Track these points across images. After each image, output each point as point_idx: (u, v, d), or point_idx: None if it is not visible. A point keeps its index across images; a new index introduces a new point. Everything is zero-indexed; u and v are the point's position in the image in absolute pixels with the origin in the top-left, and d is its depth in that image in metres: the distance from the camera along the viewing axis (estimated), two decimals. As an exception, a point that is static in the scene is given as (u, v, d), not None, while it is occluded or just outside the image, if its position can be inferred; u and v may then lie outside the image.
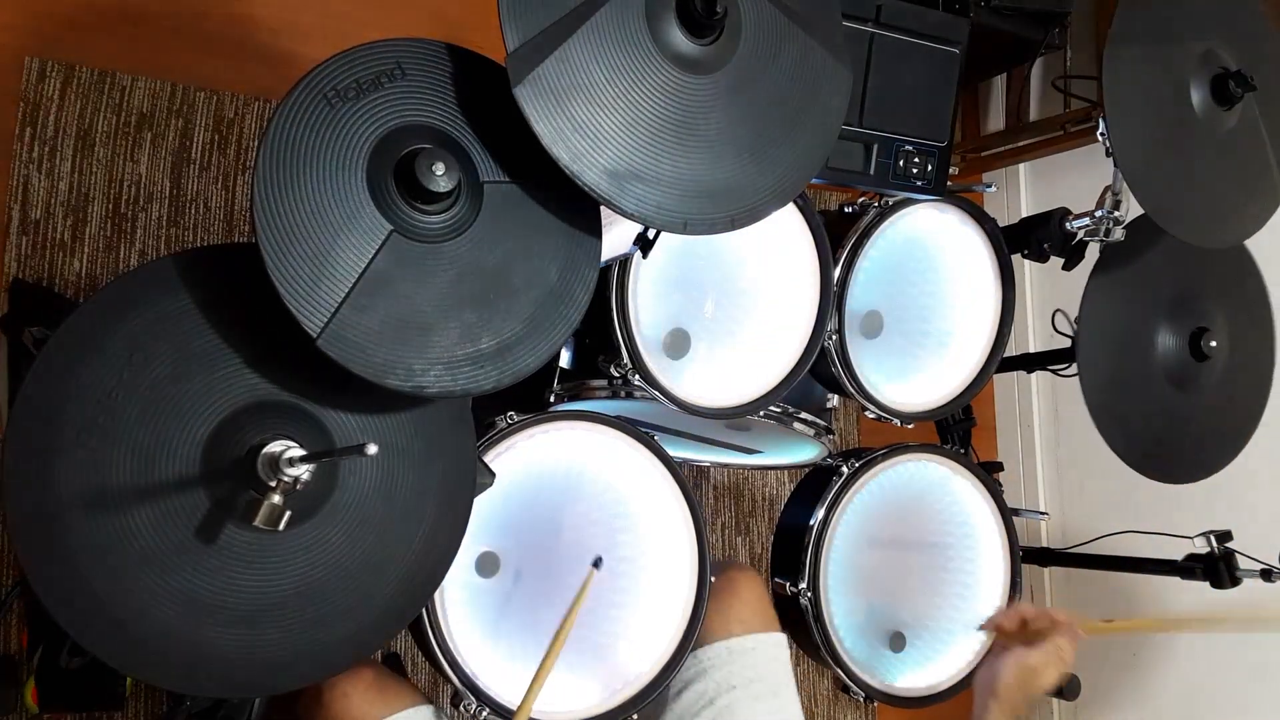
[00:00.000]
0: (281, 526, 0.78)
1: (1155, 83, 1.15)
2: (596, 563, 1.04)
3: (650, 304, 1.19)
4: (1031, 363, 1.55)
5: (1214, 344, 1.31)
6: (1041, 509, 2.30)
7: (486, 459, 1.08)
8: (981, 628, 1.24)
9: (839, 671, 1.29)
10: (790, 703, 1.20)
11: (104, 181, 1.58)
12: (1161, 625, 1.48)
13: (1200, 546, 1.37)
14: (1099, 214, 1.28)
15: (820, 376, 1.36)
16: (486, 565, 1.15)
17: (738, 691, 1.16)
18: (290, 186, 0.79)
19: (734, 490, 2.12)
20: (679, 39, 0.88)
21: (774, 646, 1.22)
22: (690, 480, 1.22)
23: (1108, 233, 1.28)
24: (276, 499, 0.78)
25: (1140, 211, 1.20)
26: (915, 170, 1.26)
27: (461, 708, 1.06)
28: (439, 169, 0.82)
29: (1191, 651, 1.98)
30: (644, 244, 1.03)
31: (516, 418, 1.11)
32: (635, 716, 1.14)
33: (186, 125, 1.65)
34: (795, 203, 1.23)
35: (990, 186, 1.99)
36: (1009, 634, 1.20)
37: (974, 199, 1.58)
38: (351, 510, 0.88)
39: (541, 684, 0.96)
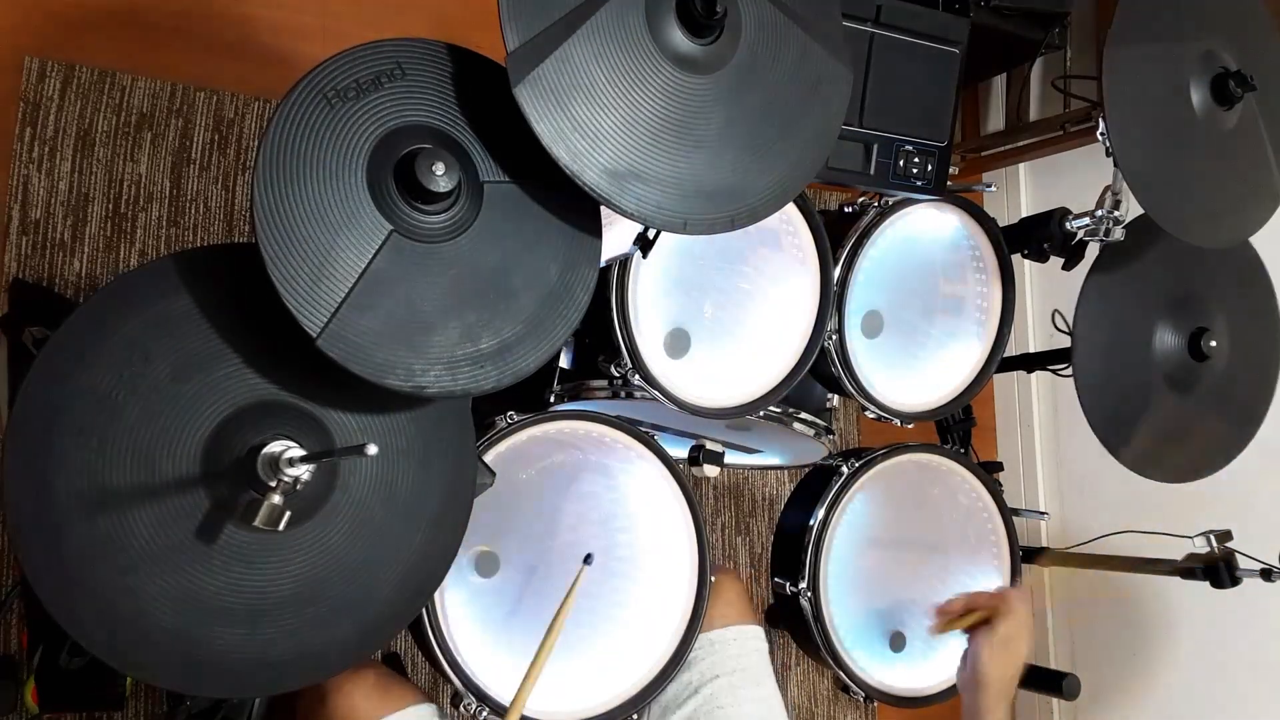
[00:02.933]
0: (281, 527, 0.78)
1: (1155, 83, 1.15)
2: (587, 559, 1.04)
3: (650, 304, 1.19)
4: (1031, 363, 1.55)
5: (1214, 344, 1.31)
6: (1041, 509, 2.30)
7: (486, 459, 1.08)
8: (933, 629, 1.28)
9: (839, 671, 1.29)
10: (772, 693, 1.21)
11: (104, 181, 1.58)
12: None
13: (1200, 546, 1.37)
14: (1099, 214, 1.28)
15: (820, 376, 1.36)
16: (486, 565, 1.15)
17: (721, 681, 1.17)
18: (290, 186, 0.79)
19: (734, 490, 2.12)
20: (679, 39, 0.88)
21: (753, 639, 1.23)
22: (690, 480, 1.21)
23: (1108, 233, 1.28)
24: (276, 499, 0.78)
25: (1140, 211, 1.20)
26: (915, 170, 1.26)
27: (461, 708, 1.06)
28: (439, 169, 0.82)
29: (1191, 651, 1.98)
30: (644, 244, 1.03)
31: (516, 418, 1.11)
32: (635, 716, 1.14)
33: (186, 125, 1.65)
34: (795, 203, 1.23)
35: (990, 186, 1.98)
36: (961, 618, 1.24)
37: (974, 199, 1.58)
38: (352, 510, 0.88)
39: (533, 683, 0.96)
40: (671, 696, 1.17)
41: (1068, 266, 1.38)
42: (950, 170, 1.29)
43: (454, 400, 0.92)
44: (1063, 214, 1.36)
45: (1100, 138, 1.14)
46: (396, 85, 0.85)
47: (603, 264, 0.95)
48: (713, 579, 1.19)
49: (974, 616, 1.23)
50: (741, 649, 1.21)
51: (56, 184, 1.54)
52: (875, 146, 1.23)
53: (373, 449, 0.75)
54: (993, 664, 1.17)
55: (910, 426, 1.39)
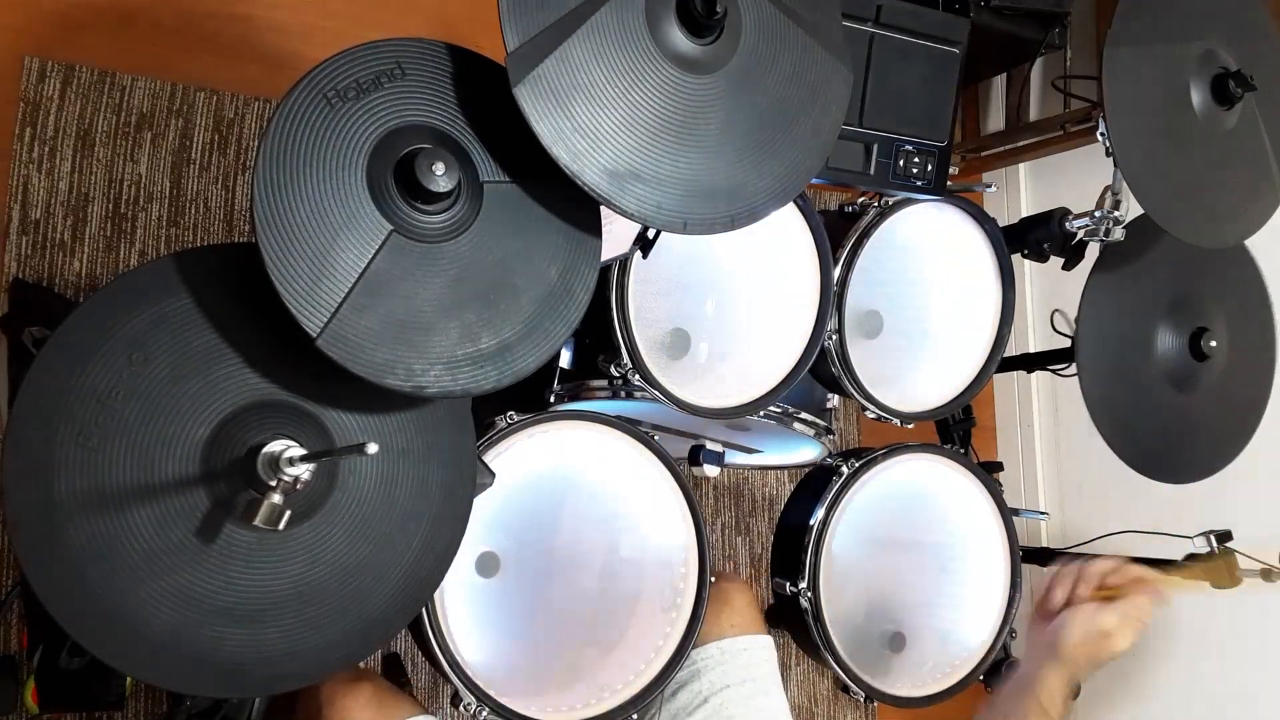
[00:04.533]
0: (281, 526, 0.78)
1: (1155, 83, 1.15)
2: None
3: (650, 304, 1.19)
4: (1031, 363, 1.55)
5: (1214, 344, 1.31)
6: (1041, 509, 2.30)
7: (486, 459, 1.08)
8: (1039, 608, 1.12)
9: (839, 671, 1.29)
10: (780, 703, 1.21)
11: (104, 181, 1.58)
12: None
13: (1200, 546, 1.37)
14: (1099, 214, 1.28)
15: (820, 376, 1.36)
16: (486, 565, 1.15)
17: (730, 691, 1.16)
18: (290, 186, 0.79)
19: (734, 490, 2.12)
20: (679, 39, 0.88)
21: (764, 649, 1.23)
22: (690, 480, 1.21)
23: (1107, 233, 1.28)
24: (276, 498, 0.78)
25: (1140, 211, 1.20)
26: (915, 170, 1.26)
27: (461, 708, 1.06)
28: (439, 169, 0.82)
29: (1191, 651, 1.98)
30: (644, 244, 1.03)
31: (516, 418, 1.11)
32: (635, 716, 1.14)
33: (186, 125, 1.65)
34: (795, 203, 1.23)
35: (990, 186, 1.98)
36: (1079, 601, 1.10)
37: (974, 199, 1.58)
38: (351, 510, 0.88)
39: None
40: (681, 704, 1.17)
41: (1068, 266, 1.38)
42: (950, 170, 1.29)
43: (454, 400, 0.92)
44: (1063, 214, 1.36)
45: (1100, 138, 1.14)
46: (396, 85, 0.85)
47: (603, 264, 0.95)
48: (713, 583, 1.19)
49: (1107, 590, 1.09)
50: (752, 659, 1.21)
51: (56, 184, 1.54)
52: (875, 146, 1.23)
53: (373, 448, 0.75)
54: (1076, 638, 1.05)
55: (910, 426, 1.39)
